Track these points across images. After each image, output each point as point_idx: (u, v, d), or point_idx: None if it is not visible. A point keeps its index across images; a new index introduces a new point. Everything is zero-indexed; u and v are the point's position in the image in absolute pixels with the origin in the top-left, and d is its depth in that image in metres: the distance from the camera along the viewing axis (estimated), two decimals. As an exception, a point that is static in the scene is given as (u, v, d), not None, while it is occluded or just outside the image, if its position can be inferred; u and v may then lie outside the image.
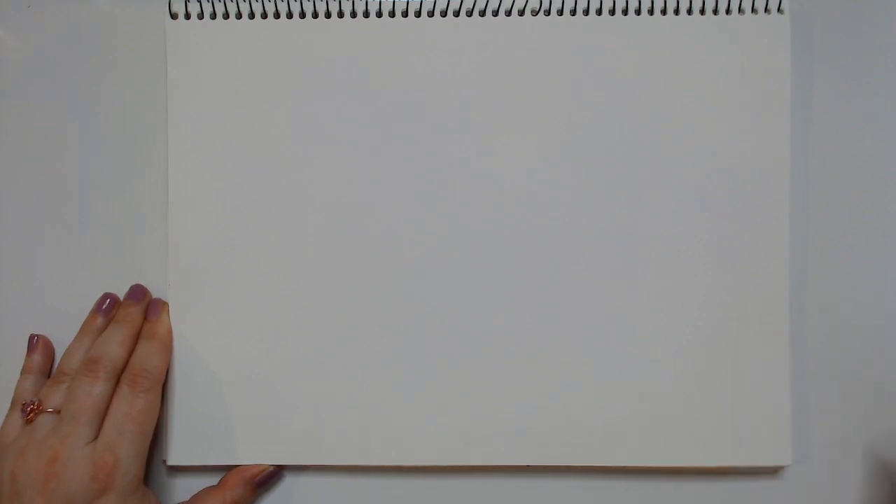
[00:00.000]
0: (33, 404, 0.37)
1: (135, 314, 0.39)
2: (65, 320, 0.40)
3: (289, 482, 0.40)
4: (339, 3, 0.39)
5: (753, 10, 0.39)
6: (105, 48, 0.41)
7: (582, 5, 0.39)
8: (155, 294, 0.40)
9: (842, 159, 0.41)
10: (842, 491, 0.40)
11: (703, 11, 0.39)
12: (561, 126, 0.39)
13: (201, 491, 0.39)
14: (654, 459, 0.39)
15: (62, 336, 0.40)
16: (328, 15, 0.39)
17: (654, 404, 0.39)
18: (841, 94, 0.41)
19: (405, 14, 0.39)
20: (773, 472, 0.40)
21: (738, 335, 0.39)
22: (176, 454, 0.39)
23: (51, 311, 0.41)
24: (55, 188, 0.41)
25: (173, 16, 0.40)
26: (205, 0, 0.39)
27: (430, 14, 0.39)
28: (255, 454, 0.39)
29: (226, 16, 0.39)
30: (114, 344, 0.37)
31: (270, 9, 0.39)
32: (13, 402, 0.38)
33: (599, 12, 0.39)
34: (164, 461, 0.39)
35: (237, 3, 0.39)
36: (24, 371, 0.39)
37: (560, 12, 0.39)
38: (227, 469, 0.39)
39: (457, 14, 0.39)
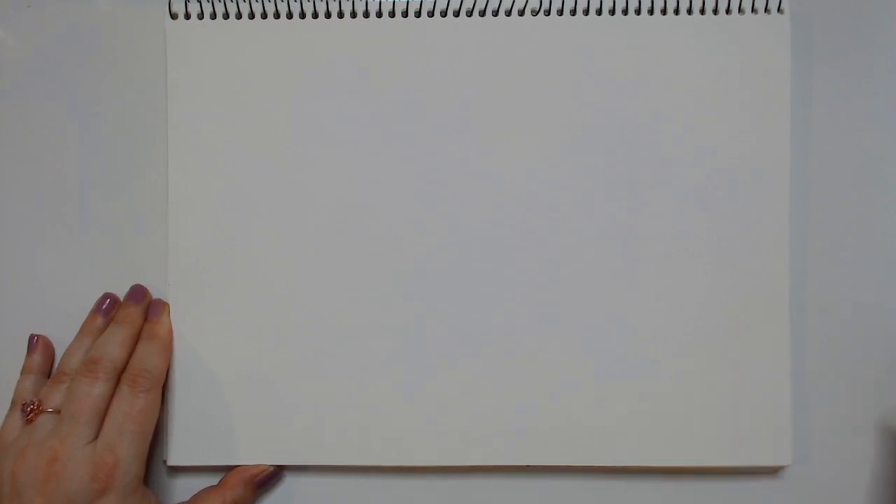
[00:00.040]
0: (33, 404, 0.37)
1: (135, 314, 0.39)
2: (65, 320, 0.40)
3: (289, 482, 0.40)
4: (339, 3, 0.39)
5: (753, 10, 0.39)
6: (105, 48, 0.41)
7: (582, 5, 0.39)
8: (155, 294, 0.40)
9: (842, 159, 0.41)
10: (842, 491, 0.40)
11: (703, 11, 0.39)
12: (561, 126, 0.39)
13: (201, 491, 0.39)
14: (654, 459, 0.39)
15: (62, 336, 0.40)
16: (328, 15, 0.39)
17: (654, 404, 0.39)
18: (841, 94, 0.41)
19: (405, 14, 0.39)
20: (773, 472, 0.40)
21: (738, 335, 0.39)
22: (176, 454, 0.39)
23: (51, 311, 0.41)
24: (55, 188, 0.41)
25: (173, 16, 0.40)
26: (205, 0, 0.39)
27: (430, 14, 0.39)
28: (255, 454, 0.39)
29: (226, 16, 0.39)
30: (114, 344, 0.37)
31: (270, 9, 0.39)
32: (13, 403, 0.38)
33: (599, 12, 0.39)
34: (164, 461, 0.39)
35: (237, 3, 0.39)
36: (24, 371, 0.39)
37: (560, 12, 0.39)
38: (227, 469, 0.39)
39: (457, 14, 0.39)
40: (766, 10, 0.39)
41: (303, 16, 0.39)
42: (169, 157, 0.39)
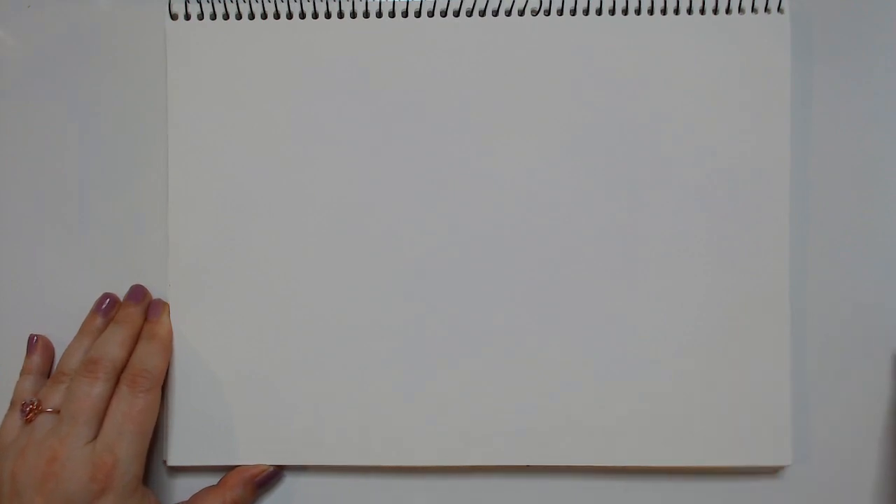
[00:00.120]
0: (33, 404, 0.37)
1: (135, 315, 0.39)
2: (65, 320, 0.40)
3: (289, 482, 0.40)
4: (339, 3, 0.39)
5: (753, 9, 0.39)
6: (105, 48, 0.41)
7: (582, 5, 0.39)
8: (155, 294, 0.40)
9: (842, 159, 0.41)
10: (842, 491, 0.40)
11: (703, 11, 0.39)
12: (561, 126, 0.39)
13: (201, 491, 0.39)
14: (654, 459, 0.39)
15: (62, 336, 0.40)
16: (328, 15, 0.39)
17: (654, 404, 0.39)
18: (841, 94, 0.41)
19: (405, 14, 0.39)
20: (773, 472, 0.40)
21: (738, 335, 0.39)
22: (176, 454, 0.39)
23: (51, 311, 0.41)
24: (55, 188, 0.41)
25: (173, 16, 0.40)
26: (205, 0, 0.39)
27: (430, 14, 0.39)
28: (255, 454, 0.39)
29: (226, 16, 0.39)
30: (113, 344, 0.37)
31: (270, 9, 0.39)
32: (13, 403, 0.38)
33: (599, 12, 0.39)
34: (164, 461, 0.39)
35: (237, 4, 0.39)
36: (23, 371, 0.39)
37: (560, 12, 0.39)
38: (227, 469, 0.39)
39: (457, 14, 0.39)
40: (766, 9, 0.39)
41: (303, 16, 0.39)
42: (169, 157, 0.39)
